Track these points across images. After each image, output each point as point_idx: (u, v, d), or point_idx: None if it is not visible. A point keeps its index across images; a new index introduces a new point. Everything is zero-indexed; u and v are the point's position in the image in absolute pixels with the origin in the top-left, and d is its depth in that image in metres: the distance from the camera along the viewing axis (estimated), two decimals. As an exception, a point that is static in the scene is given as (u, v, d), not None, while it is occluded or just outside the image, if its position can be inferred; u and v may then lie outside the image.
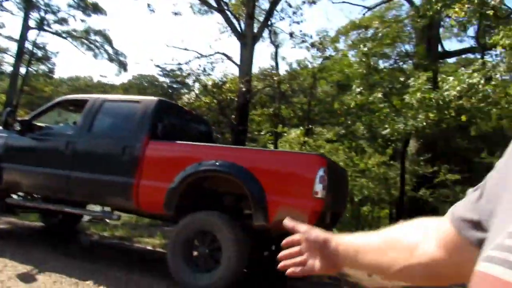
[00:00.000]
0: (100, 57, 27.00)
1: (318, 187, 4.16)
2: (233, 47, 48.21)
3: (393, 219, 13.28)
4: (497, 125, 10.21)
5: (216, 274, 4.18)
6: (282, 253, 0.96)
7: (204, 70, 10.99)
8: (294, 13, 12.67)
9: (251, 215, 4.37)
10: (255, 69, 12.62)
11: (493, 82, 8.08)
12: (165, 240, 6.76)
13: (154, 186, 4.60)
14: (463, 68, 8.60)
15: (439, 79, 9.28)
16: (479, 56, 14.85)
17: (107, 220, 7.58)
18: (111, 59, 27.42)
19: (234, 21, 11.18)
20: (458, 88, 7.48)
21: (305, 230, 0.93)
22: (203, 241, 4.40)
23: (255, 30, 11.05)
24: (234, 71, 12.34)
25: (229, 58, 11.17)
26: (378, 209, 17.07)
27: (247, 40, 10.45)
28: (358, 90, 11.49)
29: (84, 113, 5.28)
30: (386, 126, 9.03)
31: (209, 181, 4.52)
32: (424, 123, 8.53)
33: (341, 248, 0.87)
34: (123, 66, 28.23)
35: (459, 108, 8.40)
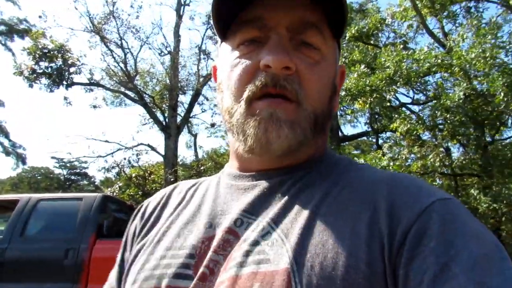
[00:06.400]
0: (-7, 151, 24.71)
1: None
2: (154, 137, 48.48)
3: None
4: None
5: None
6: None
7: (129, 162, 10.81)
8: (215, 105, 13.38)
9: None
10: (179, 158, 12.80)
11: (397, 163, 9.27)
12: None
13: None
14: (372, 153, 9.71)
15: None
16: (373, 139, 16.76)
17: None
18: (7, 152, 25.24)
19: (158, 113, 11.43)
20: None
21: None
22: None
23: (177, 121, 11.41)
24: (157, 160, 12.36)
25: (153, 149, 11.17)
26: None
27: (171, 131, 10.66)
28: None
29: (14, 216, 4.81)
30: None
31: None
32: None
33: None
34: (21, 159, 26.09)
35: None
